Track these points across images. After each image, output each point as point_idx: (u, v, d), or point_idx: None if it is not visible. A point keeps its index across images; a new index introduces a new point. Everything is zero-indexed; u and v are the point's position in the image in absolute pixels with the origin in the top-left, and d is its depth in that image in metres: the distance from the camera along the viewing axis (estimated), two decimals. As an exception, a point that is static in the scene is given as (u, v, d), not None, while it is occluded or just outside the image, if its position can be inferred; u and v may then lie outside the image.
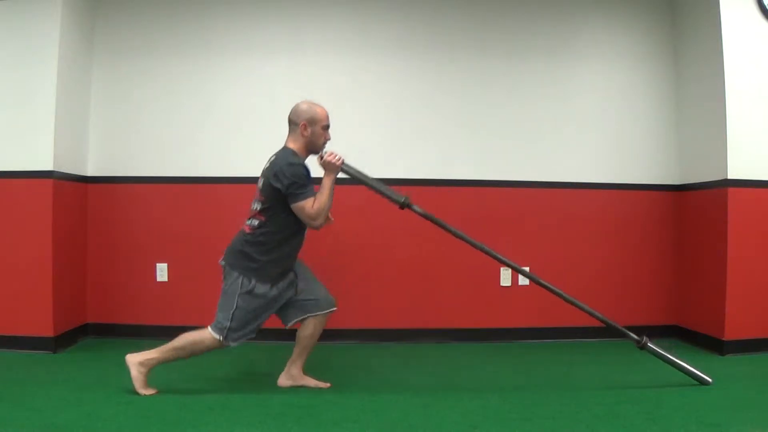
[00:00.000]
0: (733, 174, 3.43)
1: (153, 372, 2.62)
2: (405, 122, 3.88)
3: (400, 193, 2.78)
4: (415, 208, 2.79)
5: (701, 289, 3.70)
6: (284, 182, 2.53)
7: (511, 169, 3.89)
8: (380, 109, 3.87)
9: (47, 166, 3.34)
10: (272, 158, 2.68)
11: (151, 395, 2.55)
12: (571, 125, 3.94)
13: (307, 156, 2.71)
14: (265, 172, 2.66)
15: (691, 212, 3.83)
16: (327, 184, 2.62)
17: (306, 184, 2.57)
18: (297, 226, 2.64)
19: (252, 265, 2.59)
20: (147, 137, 3.80)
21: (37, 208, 3.34)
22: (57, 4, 3.36)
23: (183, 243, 3.76)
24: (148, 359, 2.59)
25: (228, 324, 2.57)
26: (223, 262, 2.67)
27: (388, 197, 2.77)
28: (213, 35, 3.82)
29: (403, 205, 2.78)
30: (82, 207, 3.73)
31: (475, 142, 3.89)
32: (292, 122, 2.70)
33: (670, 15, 4.00)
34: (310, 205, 2.55)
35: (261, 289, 2.60)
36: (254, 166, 3.55)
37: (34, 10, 3.37)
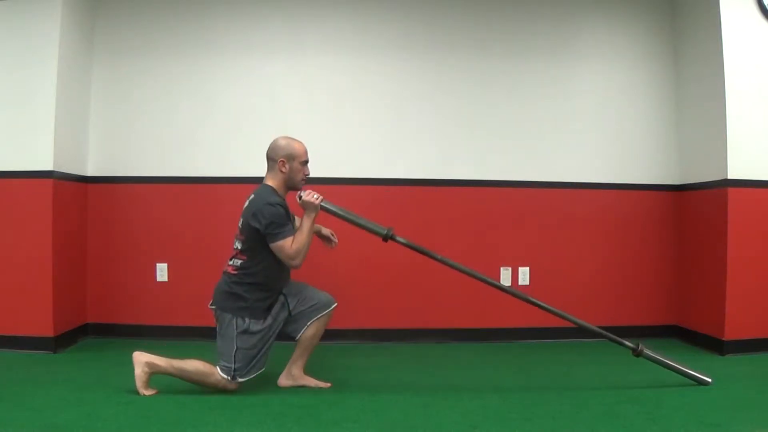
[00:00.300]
0: (733, 174, 3.43)
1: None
2: (405, 122, 3.88)
3: (382, 226, 2.78)
4: (399, 239, 2.80)
5: (701, 289, 3.70)
6: (263, 222, 2.52)
7: (511, 169, 3.89)
8: (380, 109, 3.87)
9: (47, 166, 3.34)
10: (251, 197, 2.66)
11: (151, 395, 2.55)
12: (571, 125, 3.94)
13: (286, 192, 2.70)
14: (244, 211, 2.64)
15: (691, 212, 3.83)
16: (306, 223, 2.61)
17: (284, 223, 2.56)
18: (280, 264, 2.63)
19: (242, 304, 2.60)
20: (147, 137, 3.80)
21: (37, 208, 3.35)
22: (57, 4, 3.36)
23: (183, 243, 3.77)
24: (154, 364, 2.59)
25: (233, 365, 2.58)
26: (213, 306, 2.68)
27: (371, 230, 2.77)
28: (213, 35, 3.82)
29: (386, 237, 2.77)
30: (82, 207, 3.73)
31: (475, 142, 3.89)
32: (270, 159, 2.68)
33: (670, 15, 4.00)
34: (288, 245, 2.54)
35: (256, 326, 2.61)
36: (254, 166, 3.56)
37: (34, 10, 3.37)
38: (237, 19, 3.83)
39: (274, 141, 2.71)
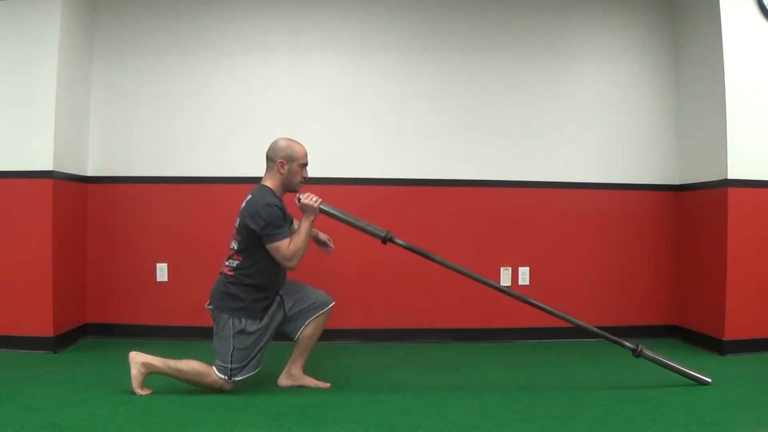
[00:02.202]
0: (733, 174, 3.43)
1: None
2: (405, 122, 3.88)
3: (381, 228, 2.79)
4: (398, 241, 2.81)
5: (701, 289, 3.70)
6: (260, 223, 2.53)
7: (511, 169, 3.89)
8: (380, 109, 3.87)
9: (47, 166, 3.34)
10: (248, 197, 2.66)
11: (147, 395, 2.56)
12: (571, 125, 3.94)
13: (283, 193, 2.70)
14: (241, 212, 2.64)
15: (691, 212, 3.83)
16: (304, 226, 2.61)
17: (281, 225, 2.56)
18: (277, 265, 2.63)
19: (239, 304, 2.60)
20: (147, 137, 3.80)
21: (37, 208, 3.34)
22: (57, 4, 3.36)
23: (183, 243, 3.77)
24: (150, 364, 2.59)
25: (229, 365, 2.58)
26: (210, 306, 2.68)
27: (371, 233, 2.78)
28: (213, 35, 3.82)
29: (385, 240, 2.78)
30: (82, 207, 3.73)
31: (475, 142, 3.89)
32: (270, 159, 2.69)
33: (670, 15, 4.00)
34: (285, 246, 2.54)
35: (252, 326, 2.61)
36: (254, 166, 3.56)
37: (34, 10, 3.37)
38: (237, 19, 3.83)
39: (275, 142, 2.71)
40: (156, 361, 2.60)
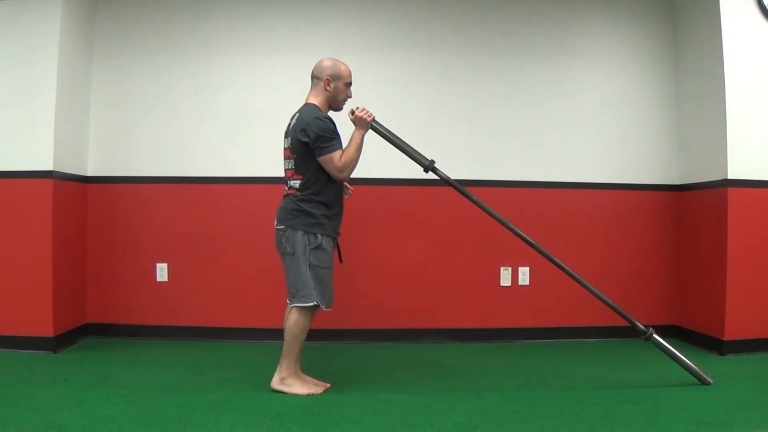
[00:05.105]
0: (733, 174, 3.43)
1: (154, 371, 2.62)
2: (405, 122, 3.86)
3: (425, 156, 2.84)
4: (440, 172, 2.86)
5: (701, 289, 3.70)
6: (311, 136, 2.56)
7: (511, 169, 3.89)
8: (380, 109, 3.83)
9: (47, 166, 3.34)
10: (296, 115, 2.70)
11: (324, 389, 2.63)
12: (571, 125, 3.94)
13: (327, 111, 2.74)
14: (290, 130, 2.68)
15: (691, 212, 3.83)
16: (357, 137, 2.66)
17: (333, 137, 2.60)
18: (335, 180, 2.66)
19: (313, 220, 2.60)
20: (147, 137, 3.79)
21: (37, 208, 3.34)
22: (57, 4, 3.36)
23: (183, 243, 3.76)
24: (284, 370, 2.62)
25: (312, 285, 2.57)
26: (281, 226, 2.65)
27: (415, 159, 2.85)
28: (213, 35, 3.82)
29: (428, 168, 2.86)
30: (82, 207, 3.73)
31: (475, 142, 3.89)
32: (315, 77, 2.73)
33: (670, 15, 4.00)
34: (338, 157, 2.59)
35: (327, 243, 2.62)
36: (254, 166, 3.56)
37: (34, 10, 3.37)
38: (237, 19, 3.83)
39: (320, 61, 2.76)
40: (281, 365, 2.62)
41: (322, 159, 2.58)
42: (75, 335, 3.61)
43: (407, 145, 2.83)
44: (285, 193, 2.71)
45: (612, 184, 3.94)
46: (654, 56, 3.99)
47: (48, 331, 3.33)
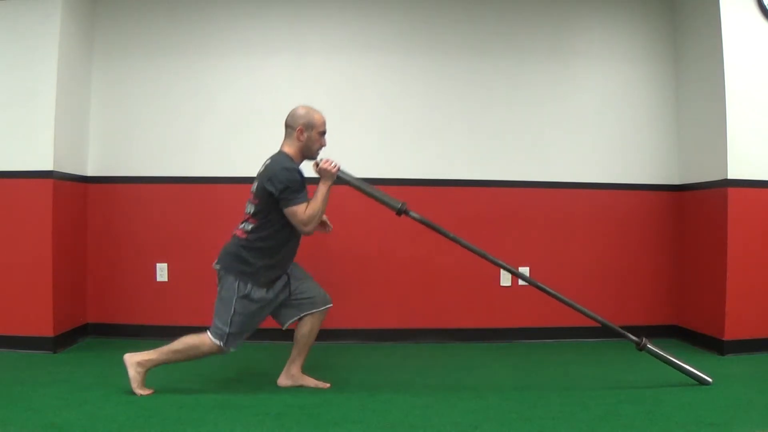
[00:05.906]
0: (733, 174, 3.43)
1: (153, 372, 2.62)
2: (405, 122, 3.88)
3: (397, 199, 2.79)
4: (412, 214, 2.80)
5: (701, 289, 3.70)
6: (278, 186, 2.53)
7: (511, 169, 3.89)
8: (380, 108, 3.87)
9: (47, 166, 3.34)
10: (267, 162, 2.68)
11: (148, 395, 2.55)
12: (571, 125, 3.94)
13: (301, 161, 2.71)
14: (259, 175, 2.66)
15: (691, 212, 3.83)
16: (322, 190, 2.63)
17: (299, 189, 2.57)
18: (291, 231, 2.64)
19: (248, 269, 2.59)
20: (147, 137, 3.79)
21: (37, 208, 3.35)
22: (57, 4, 3.36)
23: (183, 243, 3.76)
24: (146, 360, 2.59)
25: (227, 330, 2.57)
26: (218, 266, 2.67)
27: (385, 203, 2.79)
28: (213, 35, 3.82)
29: (400, 212, 2.80)
30: (82, 207, 3.73)
31: (475, 142, 3.89)
32: (289, 126, 2.70)
33: (670, 15, 4.00)
34: (302, 210, 2.55)
35: (257, 293, 2.60)
36: (254, 166, 3.54)
37: (34, 10, 3.37)
38: (237, 19, 3.83)
39: (294, 109, 2.72)
40: (150, 354, 2.59)
41: (287, 211, 2.56)
42: (75, 335, 3.61)
43: (377, 191, 2.78)
44: (233, 232, 2.69)
45: (612, 184, 3.94)
46: (654, 56, 3.99)
47: (48, 331, 3.33)
